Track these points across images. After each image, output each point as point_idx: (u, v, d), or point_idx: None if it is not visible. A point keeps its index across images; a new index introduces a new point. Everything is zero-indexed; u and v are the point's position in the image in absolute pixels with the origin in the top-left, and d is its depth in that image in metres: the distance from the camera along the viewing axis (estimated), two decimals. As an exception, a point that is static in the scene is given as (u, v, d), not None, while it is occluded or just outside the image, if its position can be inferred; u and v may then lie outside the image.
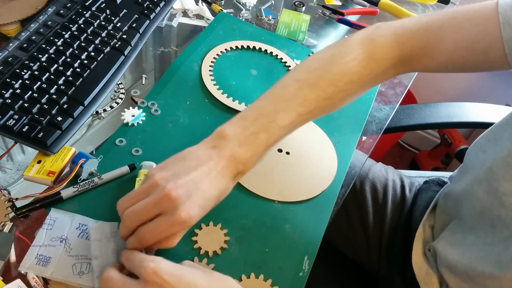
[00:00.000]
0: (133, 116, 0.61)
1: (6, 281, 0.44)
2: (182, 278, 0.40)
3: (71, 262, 0.46)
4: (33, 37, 0.61)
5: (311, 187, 0.59)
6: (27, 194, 0.50)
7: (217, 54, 0.73)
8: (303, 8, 0.87)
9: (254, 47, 0.76)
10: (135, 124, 0.61)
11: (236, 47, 0.75)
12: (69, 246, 0.47)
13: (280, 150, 0.62)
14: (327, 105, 0.53)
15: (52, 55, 0.60)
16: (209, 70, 0.70)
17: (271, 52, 0.76)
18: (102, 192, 0.53)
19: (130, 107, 0.62)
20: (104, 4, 0.70)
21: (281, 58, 0.75)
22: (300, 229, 0.54)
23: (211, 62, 0.71)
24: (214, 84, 0.68)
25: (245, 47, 0.76)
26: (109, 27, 0.67)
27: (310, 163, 0.62)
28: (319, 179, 0.60)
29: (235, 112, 0.65)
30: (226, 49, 0.74)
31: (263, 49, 0.76)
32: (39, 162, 0.53)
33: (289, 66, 0.74)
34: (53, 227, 0.48)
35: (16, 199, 0.49)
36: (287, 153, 0.62)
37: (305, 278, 0.50)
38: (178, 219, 0.42)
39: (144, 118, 0.62)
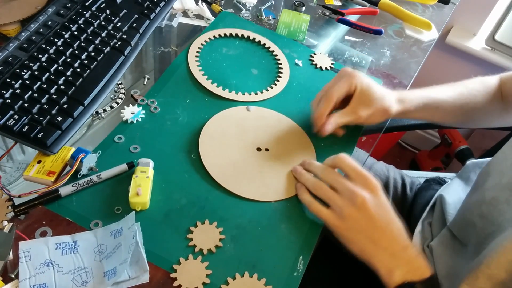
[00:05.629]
0: (132, 113, 0.62)
1: (6, 281, 0.45)
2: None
3: (69, 278, 0.46)
4: (33, 37, 0.61)
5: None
6: (30, 191, 0.50)
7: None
8: (303, 8, 0.87)
9: (254, 39, 0.77)
10: (135, 122, 0.61)
11: (237, 35, 0.76)
12: (58, 265, 0.46)
13: (264, 149, 0.62)
14: (463, 103, 0.70)
15: (52, 55, 0.61)
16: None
17: (273, 51, 0.76)
18: (99, 189, 0.54)
19: (130, 105, 0.63)
20: (104, 4, 0.70)
21: (279, 57, 0.75)
22: (296, 229, 0.55)
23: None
24: (211, 82, 0.68)
25: (245, 36, 0.77)
26: (109, 27, 0.67)
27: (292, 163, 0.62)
28: None
29: (235, 104, 0.66)
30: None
31: (261, 42, 0.77)
32: (39, 162, 0.53)
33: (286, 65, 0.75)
34: (31, 258, 0.46)
35: (19, 196, 0.50)
36: (269, 151, 0.62)
37: (299, 278, 0.51)
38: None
39: (143, 116, 0.62)
